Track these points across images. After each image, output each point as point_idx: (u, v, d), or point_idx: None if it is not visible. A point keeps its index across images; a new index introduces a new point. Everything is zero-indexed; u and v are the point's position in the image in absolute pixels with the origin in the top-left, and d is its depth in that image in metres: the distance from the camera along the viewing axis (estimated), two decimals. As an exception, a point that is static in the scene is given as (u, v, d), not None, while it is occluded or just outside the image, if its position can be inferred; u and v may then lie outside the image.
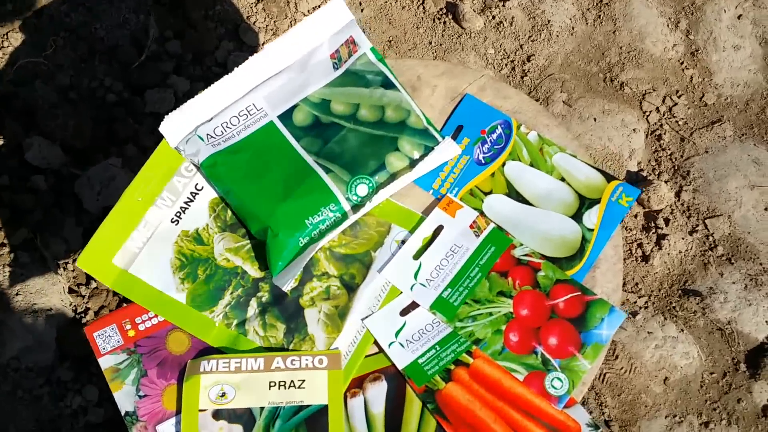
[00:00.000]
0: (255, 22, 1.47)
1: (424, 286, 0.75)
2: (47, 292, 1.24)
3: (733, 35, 1.61)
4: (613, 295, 0.75)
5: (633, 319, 1.37)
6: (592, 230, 0.76)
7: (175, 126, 0.77)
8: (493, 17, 1.55)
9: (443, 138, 0.78)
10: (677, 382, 1.34)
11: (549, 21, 1.57)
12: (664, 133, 1.51)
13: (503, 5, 1.55)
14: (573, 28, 1.58)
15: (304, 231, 0.73)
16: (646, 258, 1.41)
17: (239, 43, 1.45)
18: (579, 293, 0.73)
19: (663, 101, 1.54)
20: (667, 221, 1.43)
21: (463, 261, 0.75)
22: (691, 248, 1.43)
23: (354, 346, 0.74)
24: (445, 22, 1.54)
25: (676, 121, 1.52)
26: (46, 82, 1.34)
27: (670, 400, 1.33)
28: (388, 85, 0.79)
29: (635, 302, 1.38)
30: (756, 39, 1.62)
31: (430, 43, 1.54)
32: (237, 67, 0.79)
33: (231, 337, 0.73)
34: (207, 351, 0.73)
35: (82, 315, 1.25)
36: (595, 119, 1.50)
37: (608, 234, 0.76)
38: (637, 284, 1.40)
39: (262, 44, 1.45)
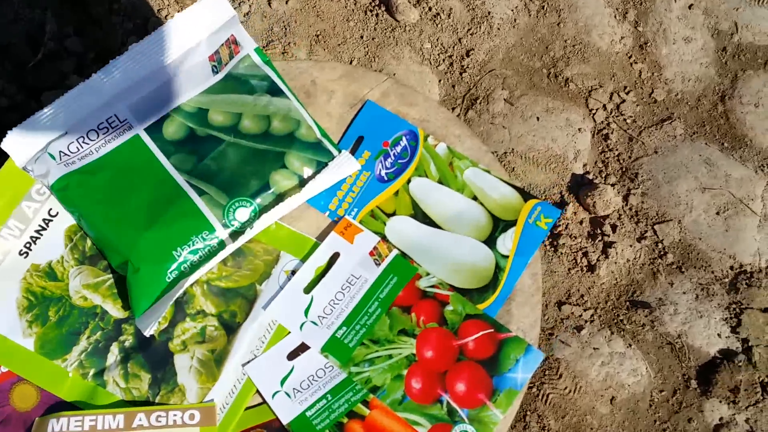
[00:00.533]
0: (167, 15, 1.37)
1: (315, 324, 0.66)
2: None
3: (683, 26, 1.56)
4: (531, 332, 0.67)
5: (578, 335, 1.29)
6: (507, 257, 0.68)
7: (22, 142, 0.67)
8: (430, 9, 1.47)
9: (340, 152, 0.69)
10: (625, 402, 1.27)
11: (489, 13, 1.50)
12: (612, 133, 1.44)
13: (440, -5, 1.47)
14: (515, 20, 1.51)
15: (172, 264, 0.64)
16: (591, 267, 1.34)
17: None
18: (491, 330, 0.65)
19: (610, 98, 1.47)
20: (614, 227, 1.36)
21: (361, 294, 0.66)
22: (640, 256, 1.36)
23: (232, 398, 0.65)
24: (377, 15, 1.46)
25: (624, 120, 1.45)
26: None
27: (617, 422, 1.26)
28: (275, 91, 0.70)
29: (580, 315, 1.31)
30: (708, 30, 1.56)
31: (362, 37, 1.45)
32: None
33: (87, 390, 0.64)
34: (59, 406, 0.63)
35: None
36: (538, 118, 1.43)
37: (525, 261, 0.68)
38: (582, 296, 1.33)
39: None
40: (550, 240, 1.34)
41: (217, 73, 0.70)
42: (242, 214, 0.66)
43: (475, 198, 0.70)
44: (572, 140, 1.42)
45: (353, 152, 0.72)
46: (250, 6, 1.44)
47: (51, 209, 0.68)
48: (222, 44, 0.71)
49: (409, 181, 0.71)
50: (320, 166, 0.68)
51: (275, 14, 1.44)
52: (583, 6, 1.52)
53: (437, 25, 1.48)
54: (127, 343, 0.65)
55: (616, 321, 1.31)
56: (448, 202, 0.70)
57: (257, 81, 0.70)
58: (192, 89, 0.70)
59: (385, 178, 0.71)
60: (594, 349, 1.28)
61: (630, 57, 1.51)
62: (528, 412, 1.26)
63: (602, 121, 1.45)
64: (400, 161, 0.71)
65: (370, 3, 1.46)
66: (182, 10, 1.31)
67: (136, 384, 0.64)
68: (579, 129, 1.43)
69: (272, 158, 0.67)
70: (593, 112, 1.46)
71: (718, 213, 1.40)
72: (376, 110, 0.73)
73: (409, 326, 0.65)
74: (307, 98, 0.74)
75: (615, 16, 1.54)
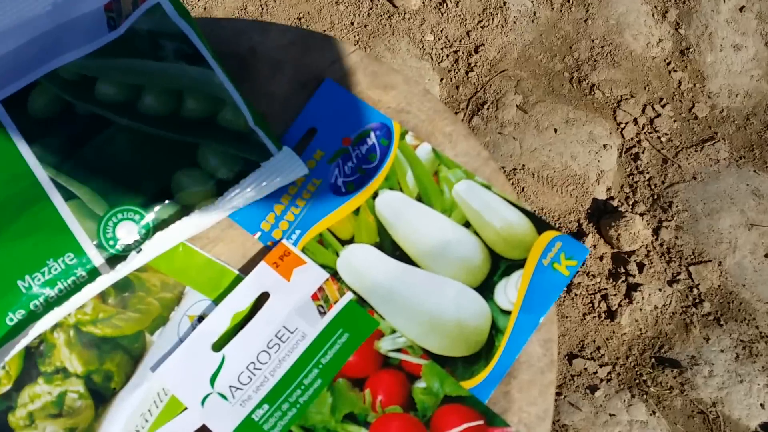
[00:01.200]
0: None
1: (224, 398, 0.47)
2: None
3: (733, 31, 1.51)
4: (538, 428, 0.47)
5: (592, 396, 1.19)
6: (509, 313, 0.49)
7: None
8: (433, -8, 1.42)
9: (281, 149, 0.51)
10: (646, 483, 1.13)
11: (505, 3, 1.45)
12: (643, 152, 1.37)
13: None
14: (535, 13, 1.45)
15: (19, 298, 0.46)
16: (612, 314, 1.25)
17: None
18: (481, 422, 0.46)
19: (643, 111, 1.41)
20: (641, 267, 1.28)
21: (296, 357, 0.48)
22: (670, 303, 1.28)
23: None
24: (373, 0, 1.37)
25: (659, 137, 1.39)
26: None
27: (635, 508, 1.12)
28: (194, 57, 0.52)
29: (595, 372, 1.22)
30: (761, 37, 1.50)
31: (352, 23, 1.41)
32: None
33: None
34: None
35: None
36: (555, 130, 1.35)
37: (535, 321, 0.49)
38: (598, 348, 1.23)
39: None
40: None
41: (114, 28, 0.53)
42: (127, 230, 0.48)
43: (467, 224, 0.51)
44: (595, 158, 1.35)
45: (300, 150, 0.54)
46: (221, -21, 1.33)
47: None
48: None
49: (375, 195, 0.52)
50: (250, 167, 0.50)
51: (251, -10, 1.35)
52: (616, 1, 1.48)
53: (442, 14, 1.43)
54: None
55: (638, 381, 1.23)
56: (430, 227, 0.51)
57: (169, 41, 0.52)
58: (75, 47, 0.53)
59: (343, 190, 0.52)
60: (610, 415, 1.20)
61: (668, 64, 1.46)
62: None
63: (632, 138, 1.39)
64: (364, 167, 0.53)
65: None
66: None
67: (-50, 475, 0.45)
68: (604, 146, 1.37)
69: (180, 151, 0.50)
70: (622, 126, 1.40)
71: (767, 255, 1.31)
72: (336, 92, 0.55)
73: (361, 410, 0.47)
74: (241, 71, 0.56)
75: (653, 15, 1.50)
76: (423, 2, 1.38)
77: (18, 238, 0.47)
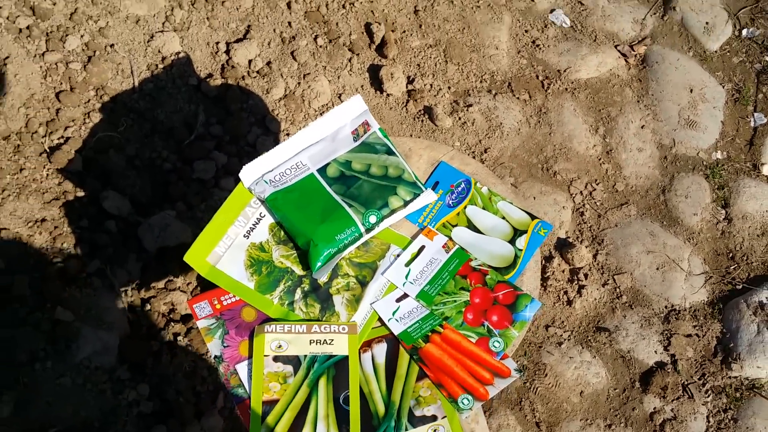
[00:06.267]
0: (277, 114, 1.80)
1: (412, 283, 1.06)
2: (112, 310, 1.51)
3: (637, 140, 1.96)
4: (534, 291, 1.07)
5: (559, 348, 1.67)
6: (522, 250, 1.08)
7: (249, 173, 1.08)
8: (460, 118, 1.90)
9: (426, 189, 1.10)
10: (590, 395, 1.64)
11: (501, 123, 1.92)
12: (586, 211, 1.85)
13: (467, 110, 1.90)
14: (519, 129, 1.93)
15: (334, 245, 1.04)
16: (570, 302, 1.73)
17: (265, 129, 1.78)
18: (512, 289, 1.05)
19: (585, 187, 1.88)
20: (586, 276, 1.76)
21: (437, 268, 1.06)
22: (603, 297, 1.75)
23: (365, 321, 1.04)
24: (422, 121, 1.89)
25: (595, 202, 1.86)
26: (118, 151, 1.65)
27: (584, 408, 1.63)
28: (390, 152, 1.11)
29: (561, 335, 1.69)
30: (654, 144, 1.97)
31: (411, 135, 1.87)
32: (286, 138, 1.11)
33: (284, 312, 1.03)
34: (268, 320, 1.03)
35: (138, 328, 1.52)
36: (534, 198, 1.84)
37: (531, 253, 1.08)
38: (563, 322, 1.71)
39: (283, 131, 1.79)
40: (542, 282, 1.74)
41: (356, 141, 1.12)
42: (372, 219, 1.06)
43: (503, 218, 1.11)
44: (558, 214, 1.83)
45: (433, 189, 1.14)
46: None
47: (261, 212, 1.09)
48: (360, 125, 1.13)
49: (465, 207, 1.12)
50: (415, 196, 1.09)
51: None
52: (567, 122, 1.95)
53: (465, 130, 1.90)
54: (305, 288, 1.05)
55: (585, 340, 1.69)
56: (488, 220, 1.11)
57: (380, 146, 1.12)
58: (342, 149, 1.11)
59: (451, 205, 1.12)
60: (569, 358, 1.66)
61: (599, 159, 1.93)
62: (522, 399, 1.63)
63: (579, 203, 1.86)
64: (460, 196, 1.13)
65: (418, 112, 1.90)
66: (287, 111, 1.75)
67: (312, 310, 1.04)
68: (563, 207, 1.84)
69: (389, 189, 1.08)
70: (573, 195, 1.87)
71: (657, 269, 1.79)
72: (446, 167, 1.16)
73: (466, 286, 1.05)
74: (406, 158, 1.16)
75: (590, 131, 1.96)
76: (453, 123, 1.86)
77: (333, 221, 1.04)
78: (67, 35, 1.70)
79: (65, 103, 1.65)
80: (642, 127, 1.99)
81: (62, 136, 1.62)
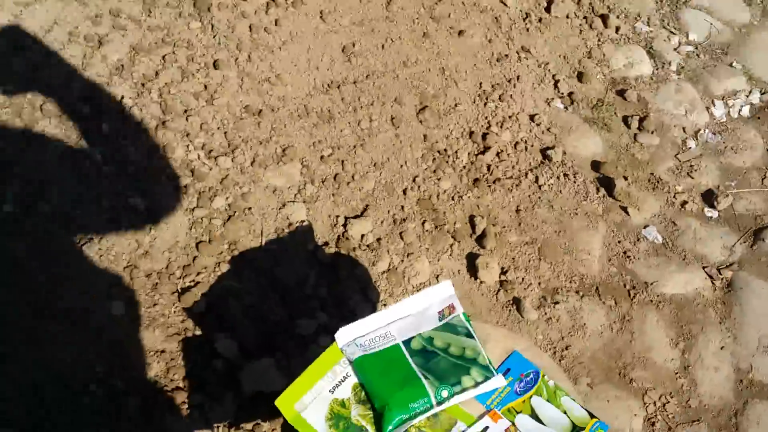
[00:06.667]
0: (379, 285, 1.98)
1: None
2: (205, 442, 1.65)
3: (715, 360, 1.99)
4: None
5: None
6: None
7: (344, 335, 1.23)
8: (546, 313, 2.01)
9: (497, 374, 1.21)
10: None
11: (585, 324, 2.01)
12: (657, 422, 1.87)
13: (554, 306, 2.01)
14: (602, 333, 2.01)
15: (407, 411, 1.14)
16: None
17: (365, 297, 1.94)
18: None
19: (660, 398, 1.91)
20: None
21: None
22: None
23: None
24: (510, 310, 2.00)
25: (667, 415, 1.88)
26: (236, 299, 1.85)
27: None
28: (469, 335, 1.24)
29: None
30: (731, 366, 1.99)
31: (497, 322, 1.99)
32: (383, 308, 1.26)
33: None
34: (337, 470, 1.14)
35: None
36: (608, 401, 1.88)
37: None
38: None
39: (381, 300, 1.95)
40: None
41: (441, 320, 1.25)
42: (445, 393, 1.17)
43: (564, 412, 1.20)
44: (629, 421, 1.86)
45: (504, 375, 1.25)
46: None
47: (348, 372, 1.22)
48: (445, 306, 1.27)
49: (531, 397, 1.22)
50: (486, 378, 1.19)
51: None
52: (649, 333, 2.01)
53: (549, 325, 1.99)
54: (376, 446, 1.16)
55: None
56: (551, 412, 1.20)
57: (461, 328, 1.24)
58: (427, 326, 1.24)
59: (518, 393, 1.22)
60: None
61: (676, 373, 1.96)
62: None
63: (652, 413, 1.89)
64: (528, 385, 1.23)
65: (507, 302, 2.02)
66: (388, 284, 1.92)
67: (380, 464, 1.14)
68: (635, 414, 1.87)
69: (463, 369, 1.20)
70: (646, 405, 1.90)
71: None
72: (518, 356, 1.27)
73: None
74: (483, 343, 1.28)
75: (669, 344, 2.01)
76: (538, 317, 1.95)
77: (410, 390, 1.16)
78: (215, 196, 1.98)
79: (202, 252, 1.89)
80: (722, 348, 2.03)
81: (193, 280, 1.84)
